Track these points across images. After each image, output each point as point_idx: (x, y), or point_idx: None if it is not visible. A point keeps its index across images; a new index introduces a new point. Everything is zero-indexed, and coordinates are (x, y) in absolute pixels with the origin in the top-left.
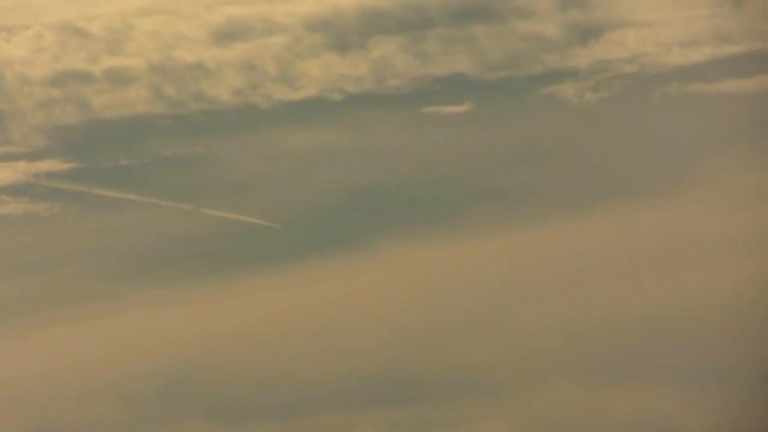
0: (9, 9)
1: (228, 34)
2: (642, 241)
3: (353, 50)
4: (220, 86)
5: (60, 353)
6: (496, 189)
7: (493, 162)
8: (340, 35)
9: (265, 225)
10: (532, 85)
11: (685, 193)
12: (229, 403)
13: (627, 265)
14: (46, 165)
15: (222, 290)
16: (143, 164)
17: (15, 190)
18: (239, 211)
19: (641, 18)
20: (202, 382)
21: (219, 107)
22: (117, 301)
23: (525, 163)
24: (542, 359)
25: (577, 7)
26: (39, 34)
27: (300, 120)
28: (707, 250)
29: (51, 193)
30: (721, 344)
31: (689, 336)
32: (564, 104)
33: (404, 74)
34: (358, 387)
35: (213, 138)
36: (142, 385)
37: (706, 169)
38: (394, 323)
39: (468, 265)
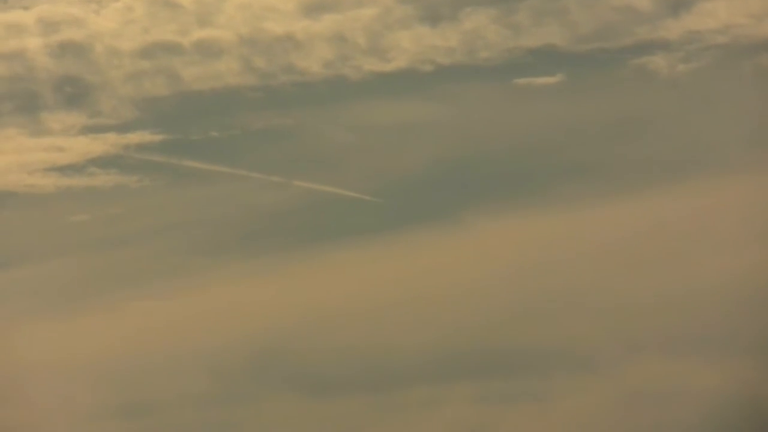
0: None
1: (318, 5)
2: (734, 214)
3: (444, 22)
4: (310, 58)
5: (150, 327)
6: (587, 161)
7: (584, 134)
8: (431, 7)
9: (356, 197)
10: (623, 57)
11: None
12: (318, 376)
13: (719, 239)
14: (135, 137)
15: (312, 263)
16: (233, 136)
17: (105, 162)
18: (330, 183)
19: None
20: (291, 355)
21: (309, 79)
22: (207, 274)
23: (616, 135)
24: (633, 331)
25: None
26: (129, 6)
27: (390, 92)
28: None
29: (141, 165)
30: None
31: None
32: (655, 76)
33: (495, 46)
34: (448, 360)
35: (303, 110)
36: (232, 359)
37: None
38: (484, 296)
39: (559, 238)
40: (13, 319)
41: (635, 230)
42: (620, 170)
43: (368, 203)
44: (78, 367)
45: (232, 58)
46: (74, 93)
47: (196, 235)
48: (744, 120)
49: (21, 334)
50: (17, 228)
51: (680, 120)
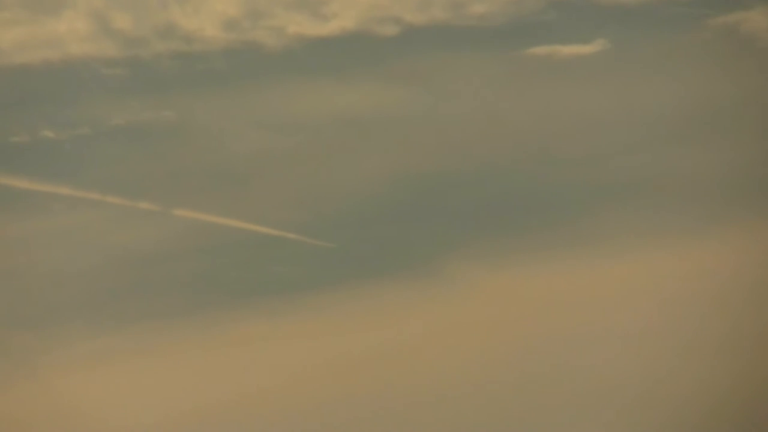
0: None
1: None
2: None
3: None
4: (201, 16)
5: None
6: (636, 178)
7: (633, 134)
8: None
9: (272, 235)
10: (700, 13)
11: None
12: None
13: None
14: None
15: (208, 337)
16: (79, 137)
17: None
18: (230, 213)
19: None
20: None
21: (201, 49)
22: (39, 358)
23: (686, 135)
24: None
25: None
26: None
27: (329, 69)
28: None
29: None
30: None
31: None
32: (751, 42)
33: None
34: None
35: (190, 98)
36: None
37: None
38: (473, 380)
39: (579, 296)
40: None
41: (703, 283)
42: (689, 195)
43: (291, 243)
44: None
45: (79, 15)
46: None
47: (20, 297)
48: None
49: None
50: None
51: None
